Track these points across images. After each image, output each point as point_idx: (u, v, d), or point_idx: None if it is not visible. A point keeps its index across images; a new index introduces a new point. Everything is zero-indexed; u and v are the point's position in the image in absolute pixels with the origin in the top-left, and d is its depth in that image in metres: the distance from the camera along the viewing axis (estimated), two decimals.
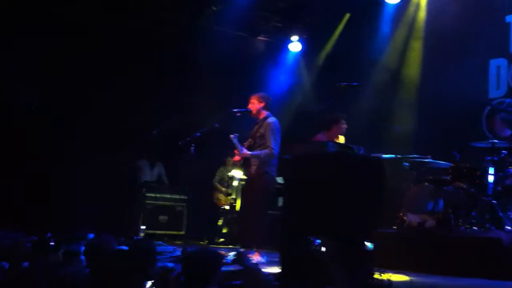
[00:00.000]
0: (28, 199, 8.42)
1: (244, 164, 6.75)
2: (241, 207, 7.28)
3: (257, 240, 6.46)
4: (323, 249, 3.46)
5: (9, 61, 8.38)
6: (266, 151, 6.48)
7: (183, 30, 9.94)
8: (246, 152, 6.57)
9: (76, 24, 8.93)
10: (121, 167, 8.73)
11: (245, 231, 6.72)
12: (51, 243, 4.55)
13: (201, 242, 8.90)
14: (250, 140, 6.72)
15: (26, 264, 3.91)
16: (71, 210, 8.45)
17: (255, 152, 6.57)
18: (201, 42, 9.83)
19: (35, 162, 8.81)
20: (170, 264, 4.27)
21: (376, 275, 4.58)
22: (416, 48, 8.74)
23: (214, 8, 9.40)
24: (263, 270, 5.25)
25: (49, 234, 4.88)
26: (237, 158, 6.70)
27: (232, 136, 6.63)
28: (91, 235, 5.25)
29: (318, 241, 3.49)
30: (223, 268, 4.46)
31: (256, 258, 6.24)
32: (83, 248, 4.43)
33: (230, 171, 9.50)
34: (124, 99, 9.34)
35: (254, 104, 6.73)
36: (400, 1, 8.77)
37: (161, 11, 9.67)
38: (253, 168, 6.61)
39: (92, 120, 9.13)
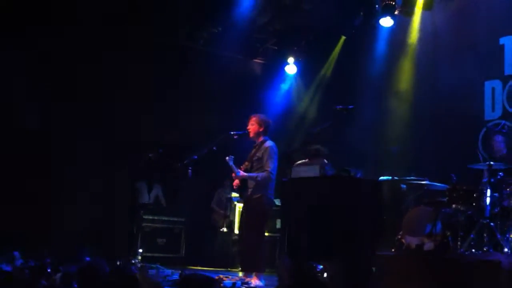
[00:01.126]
0: (27, 222, 8.39)
1: (241, 187, 6.75)
2: (240, 230, 7.26)
3: (256, 263, 6.44)
4: (325, 274, 3.47)
5: (11, 79, 8.41)
6: (263, 174, 6.49)
7: (181, 51, 10.03)
8: (243, 174, 6.59)
9: (77, 39, 8.97)
10: (119, 189, 8.73)
11: (244, 254, 6.70)
12: (48, 270, 4.54)
13: (199, 267, 8.85)
14: (247, 163, 6.73)
15: None
16: (69, 232, 8.41)
17: (252, 174, 6.58)
18: (199, 64, 9.90)
19: (34, 183, 8.79)
20: None
21: None
22: (411, 70, 8.81)
23: (215, 30, 9.45)
24: None
25: (48, 260, 4.87)
26: (236, 182, 6.70)
27: (227, 158, 6.65)
28: (88, 259, 5.24)
29: (320, 266, 3.49)
30: None
31: (255, 282, 6.22)
32: None
33: (228, 194, 9.53)
34: (123, 120, 9.38)
35: (254, 126, 6.75)
36: (394, 24, 8.84)
37: (159, 31, 9.76)
38: (250, 191, 6.62)
39: (91, 143, 9.14)
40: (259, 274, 6.36)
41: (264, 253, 6.63)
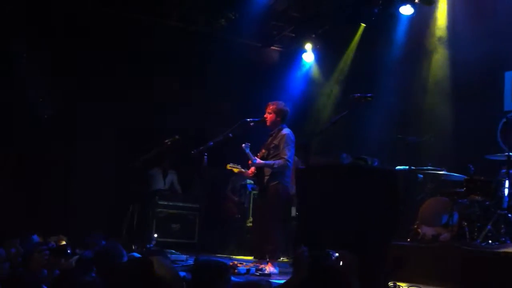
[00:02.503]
0: (43, 206, 8.49)
1: (257, 175, 6.74)
2: (254, 217, 7.27)
3: (270, 251, 6.45)
4: (341, 262, 3.45)
5: (23, 67, 8.47)
6: (280, 161, 6.47)
7: (198, 38, 10.02)
8: (260, 161, 6.57)
9: (91, 24, 9.01)
10: (134, 175, 8.76)
11: (258, 241, 6.70)
12: (68, 251, 4.58)
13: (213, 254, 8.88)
14: (263, 151, 6.72)
15: (45, 271, 3.94)
16: (84, 217, 8.49)
17: (268, 162, 6.56)
18: (215, 51, 9.88)
19: (50, 169, 8.88)
20: (182, 273, 4.28)
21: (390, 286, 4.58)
22: (429, 59, 8.71)
23: (233, 17, 9.41)
24: (276, 280, 5.26)
25: (66, 242, 4.91)
26: (252, 170, 6.69)
27: (244, 145, 6.63)
28: (103, 242, 5.28)
29: (336, 254, 3.47)
30: (235, 279, 4.48)
31: (269, 268, 6.23)
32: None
33: (243, 181, 9.53)
34: (139, 106, 9.41)
35: (271, 115, 6.71)
36: (413, 12, 8.73)
37: (177, 18, 9.78)
38: (266, 179, 6.61)
39: (107, 128, 9.20)
40: (273, 261, 6.37)
41: (279, 241, 6.63)
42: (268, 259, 6.40)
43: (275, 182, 6.50)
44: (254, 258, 6.98)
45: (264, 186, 6.63)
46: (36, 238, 5.21)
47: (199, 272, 3.76)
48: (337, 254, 3.51)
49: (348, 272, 3.42)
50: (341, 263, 3.46)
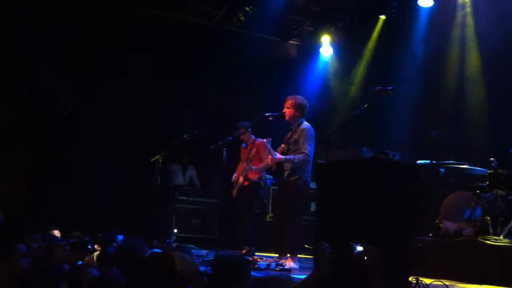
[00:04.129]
0: (62, 202, 8.56)
1: (277, 170, 6.71)
2: (274, 212, 7.24)
3: (291, 246, 6.42)
4: (365, 256, 3.41)
5: (44, 62, 8.54)
6: (300, 156, 6.43)
7: (216, 33, 10.01)
8: (280, 156, 6.53)
9: (107, 20, 9.07)
10: (154, 171, 8.79)
11: (279, 236, 6.68)
12: (88, 246, 4.60)
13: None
14: (283, 145, 6.67)
15: (66, 266, 3.95)
16: (104, 213, 8.55)
17: (289, 157, 6.51)
18: (234, 45, 9.86)
19: (70, 164, 8.95)
20: (203, 268, 4.28)
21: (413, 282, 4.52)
22: (451, 52, 8.59)
23: (251, 11, 9.37)
24: (297, 276, 5.23)
25: (86, 238, 4.94)
26: (271, 164, 6.66)
27: (265, 140, 6.59)
28: (120, 237, 5.29)
29: (359, 247, 3.43)
30: (256, 274, 4.46)
31: (289, 264, 6.20)
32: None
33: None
34: (157, 101, 9.44)
35: (290, 110, 6.66)
36: (433, 5, 8.61)
37: (195, 12, 9.78)
38: (286, 173, 6.56)
39: (127, 123, 9.24)
40: (293, 256, 6.34)
41: (299, 236, 6.59)
42: (288, 254, 6.37)
43: (295, 177, 6.46)
44: (274, 253, 6.96)
45: (284, 181, 6.59)
46: (57, 234, 5.24)
47: (220, 267, 3.75)
48: (360, 248, 3.46)
49: (372, 266, 3.38)
50: (365, 257, 3.41)
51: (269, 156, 6.59)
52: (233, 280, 3.61)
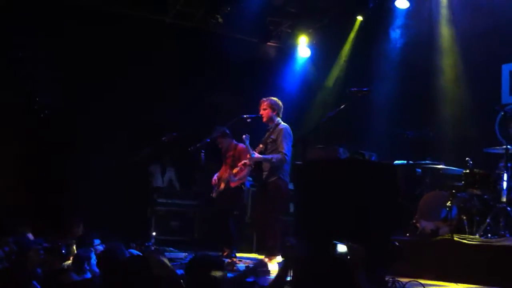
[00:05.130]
0: (39, 204, 8.45)
1: (256, 170, 6.72)
2: (254, 214, 7.21)
3: (271, 247, 6.41)
4: (349, 255, 3.41)
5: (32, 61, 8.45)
6: (278, 155, 6.45)
7: (194, 34, 9.98)
8: (258, 156, 6.55)
9: (92, 19, 9.01)
10: (132, 173, 8.74)
11: (261, 237, 6.65)
12: (62, 251, 4.55)
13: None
14: (261, 146, 6.69)
15: (39, 270, 3.91)
16: (82, 216, 8.44)
17: (267, 156, 6.54)
18: (212, 47, 9.84)
19: (47, 165, 8.84)
20: (180, 271, 4.26)
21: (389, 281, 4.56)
22: (427, 53, 8.66)
23: (229, 13, 9.37)
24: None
25: (61, 242, 4.88)
26: (248, 163, 6.65)
27: (244, 136, 6.62)
28: (97, 241, 5.25)
29: (343, 246, 3.43)
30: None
31: (271, 264, 6.20)
32: (92, 253, 4.44)
33: None
34: (136, 104, 9.38)
35: (267, 110, 6.71)
36: (410, 6, 8.70)
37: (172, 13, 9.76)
38: (265, 174, 6.58)
39: (104, 125, 9.16)
40: (273, 257, 6.32)
41: (279, 237, 6.58)
42: (270, 255, 6.37)
43: (275, 178, 6.48)
44: (258, 254, 6.94)
45: (263, 181, 6.59)
46: (30, 236, 5.16)
47: (193, 267, 3.73)
48: (344, 247, 3.46)
49: (357, 265, 3.39)
50: (348, 256, 3.42)
51: (247, 155, 6.60)
52: (206, 280, 3.59)
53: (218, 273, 3.59)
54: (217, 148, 7.86)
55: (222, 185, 7.32)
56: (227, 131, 7.37)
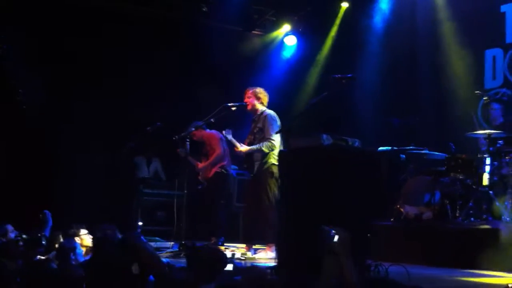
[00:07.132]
0: (23, 196, 8.40)
1: (246, 162, 6.68)
2: (247, 204, 7.09)
3: (269, 235, 6.35)
4: (336, 239, 3.41)
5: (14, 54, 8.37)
6: (266, 142, 6.43)
7: (177, 24, 9.93)
8: (246, 147, 6.54)
9: (77, 16, 8.92)
10: (117, 164, 8.70)
11: (253, 227, 6.63)
12: (42, 242, 4.52)
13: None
14: (249, 136, 6.68)
15: (20, 262, 3.89)
16: (67, 207, 8.41)
17: (255, 146, 6.51)
18: (196, 37, 9.79)
19: (31, 159, 8.78)
20: (166, 260, 4.27)
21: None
22: (410, 39, 8.70)
23: (212, 2, 9.31)
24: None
25: (40, 234, 4.85)
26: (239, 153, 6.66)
27: (225, 132, 6.60)
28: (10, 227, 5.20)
29: (332, 231, 3.42)
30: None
31: (266, 253, 6.22)
32: (77, 244, 4.43)
33: None
34: (120, 94, 9.33)
35: (251, 99, 6.69)
36: None
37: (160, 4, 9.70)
38: (257, 164, 6.54)
39: (89, 117, 9.10)
40: (271, 245, 6.30)
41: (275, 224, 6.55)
42: (265, 244, 6.37)
43: (268, 165, 6.44)
44: (245, 243, 6.86)
45: (256, 171, 6.55)
46: (10, 227, 5.10)
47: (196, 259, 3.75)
48: (331, 230, 3.45)
49: (343, 250, 3.40)
50: (336, 240, 3.43)
51: (235, 148, 6.59)
52: (212, 270, 3.61)
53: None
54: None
55: (200, 177, 7.36)
56: (199, 123, 7.31)
